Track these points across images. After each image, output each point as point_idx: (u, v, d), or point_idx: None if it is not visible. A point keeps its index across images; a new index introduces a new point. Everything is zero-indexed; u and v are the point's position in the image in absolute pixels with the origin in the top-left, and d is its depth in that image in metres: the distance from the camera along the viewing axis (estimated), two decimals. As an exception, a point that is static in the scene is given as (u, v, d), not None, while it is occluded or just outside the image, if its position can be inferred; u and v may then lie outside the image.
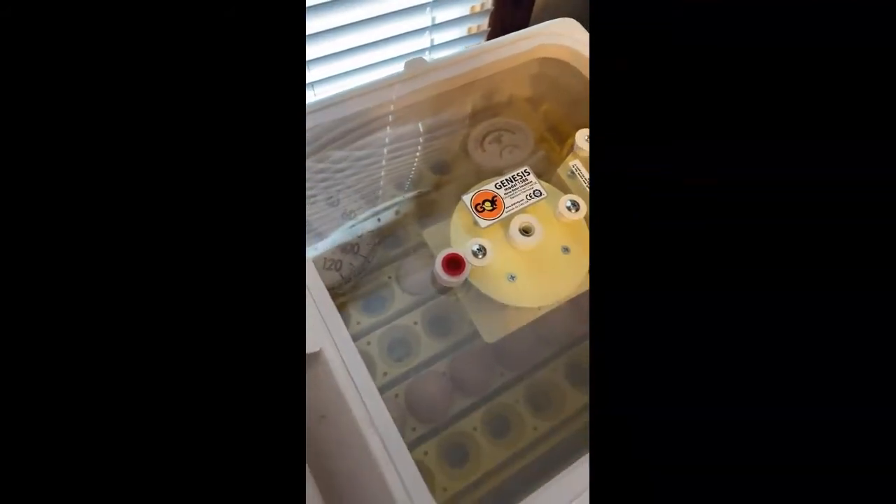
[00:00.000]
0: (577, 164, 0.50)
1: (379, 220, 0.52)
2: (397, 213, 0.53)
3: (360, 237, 0.51)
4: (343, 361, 0.35)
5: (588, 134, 0.50)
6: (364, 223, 0.52)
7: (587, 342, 0.50)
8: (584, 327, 0.50)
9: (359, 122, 0.49)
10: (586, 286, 0.46)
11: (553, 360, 0.50)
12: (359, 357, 0.36)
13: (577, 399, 0.48)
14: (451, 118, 0.56)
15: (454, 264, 0.42)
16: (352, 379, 0.35)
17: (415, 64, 0.51)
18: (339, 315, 0.37)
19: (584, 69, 0.54)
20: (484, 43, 0.54)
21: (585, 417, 0.46)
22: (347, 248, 0.50)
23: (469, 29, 0.86)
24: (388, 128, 0.51)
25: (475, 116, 0.57)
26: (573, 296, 0.46)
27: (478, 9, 0.83)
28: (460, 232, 0.46)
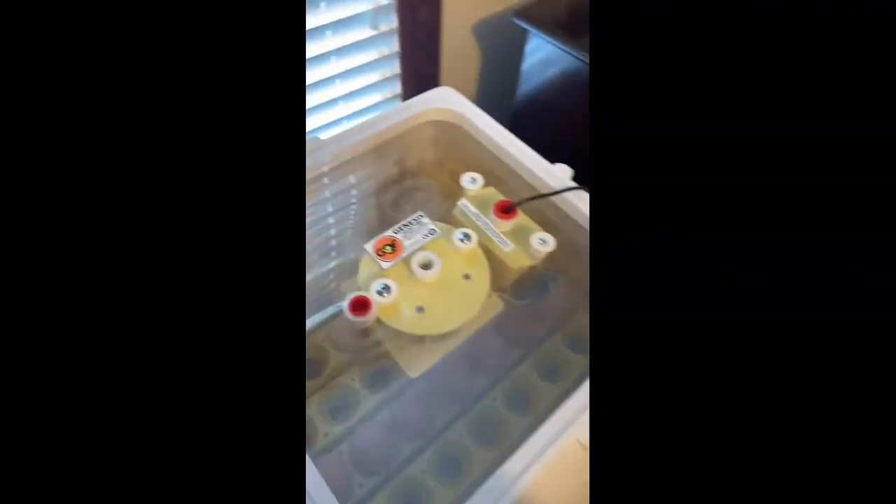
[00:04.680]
0: (465, 202, 0.54)
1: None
2: (330, 279, 0.56)
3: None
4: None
5: (469, 176, 0.55)
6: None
7: (522, 368, 0.52)
8: (514, 351, 0.52)
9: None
10: (492, 308, 0.48)
11: (490, 389, 0.51)
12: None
13: (519, 423, 0.48)
14: (365, 185, 0.61)
15: (360, 305, 0.45)
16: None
17: (310, 143, 0.56)
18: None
19: (467, 127, 0.60)
20: (375, 115, 0.60)
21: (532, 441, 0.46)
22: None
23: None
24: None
25: (389, 182, 0.62)
26: (481, 316, 0.48)
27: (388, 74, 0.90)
28: (366, 277, 0.49)
